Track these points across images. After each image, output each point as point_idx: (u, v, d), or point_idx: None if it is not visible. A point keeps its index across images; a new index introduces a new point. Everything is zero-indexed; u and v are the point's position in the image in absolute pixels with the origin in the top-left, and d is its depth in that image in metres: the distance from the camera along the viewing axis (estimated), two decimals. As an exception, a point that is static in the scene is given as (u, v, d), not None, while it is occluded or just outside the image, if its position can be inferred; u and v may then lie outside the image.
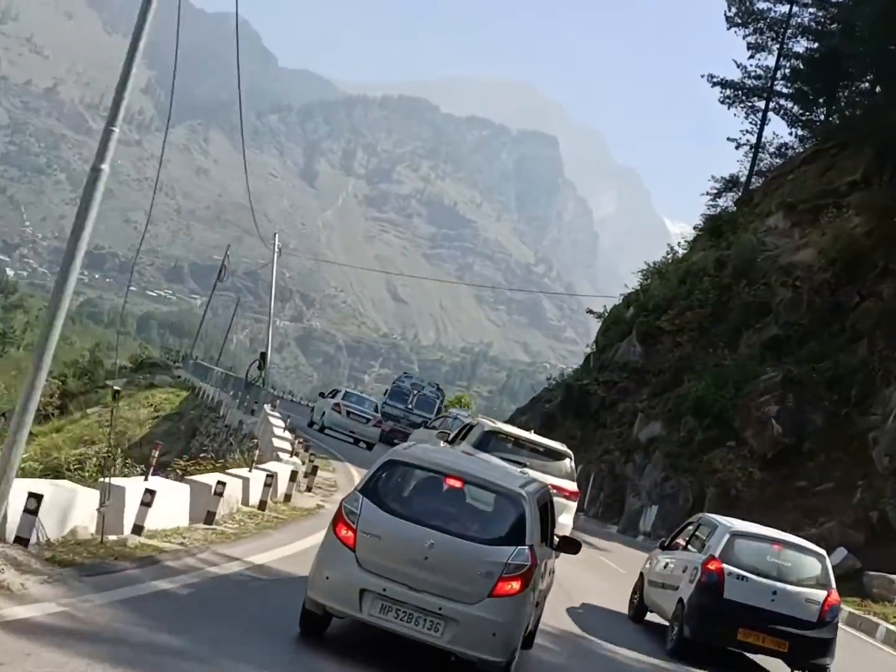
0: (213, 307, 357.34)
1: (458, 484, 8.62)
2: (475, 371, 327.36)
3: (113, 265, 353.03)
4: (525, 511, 8.52)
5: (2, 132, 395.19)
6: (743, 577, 12.73)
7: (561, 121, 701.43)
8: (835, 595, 12.99)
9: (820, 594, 12.81)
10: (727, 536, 13.15)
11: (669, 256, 50.55)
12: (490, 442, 17.37)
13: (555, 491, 14.93)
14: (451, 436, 19.78)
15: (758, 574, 12.81)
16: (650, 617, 14.98)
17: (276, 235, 34.00)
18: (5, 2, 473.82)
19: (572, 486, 17.59)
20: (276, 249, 32.96)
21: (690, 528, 14.69)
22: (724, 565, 12.80)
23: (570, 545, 10.24)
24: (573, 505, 17.67)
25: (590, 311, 54.13)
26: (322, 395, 42.22)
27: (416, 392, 44.44)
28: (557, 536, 10.37)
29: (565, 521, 16.77)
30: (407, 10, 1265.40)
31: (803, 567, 13.17)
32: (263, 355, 31.39)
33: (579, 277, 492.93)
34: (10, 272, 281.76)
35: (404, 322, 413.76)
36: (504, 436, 17.89)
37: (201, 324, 61.35)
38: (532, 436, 18.55)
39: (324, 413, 37.04)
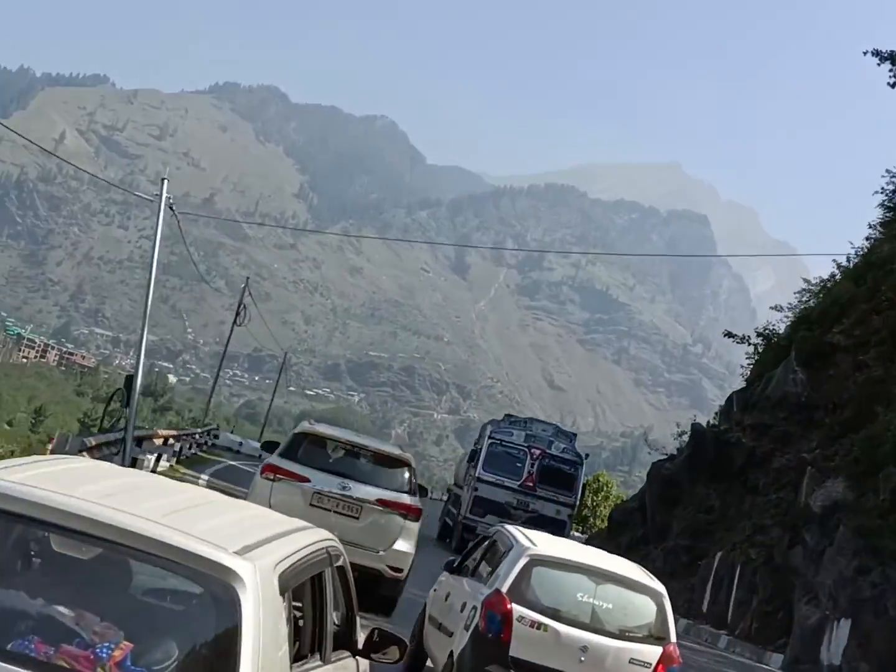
0: (371, 403, 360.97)
1: (83, 553, 3.86)
2: (636, 455, 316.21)
3: (272, 366, 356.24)
4: (241, 611, 3.55)
5: (163, 243, 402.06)
6: (540, 626, 8.44)
7: (710, 199, 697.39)
8: (674, 652, 8.60)
9: (652, 652, 8.48)
10: (523, 561, 8.70)
11: (838, 271, 37.75)
12: (300, 447, 13.38)
13: (387, 508, 12.73)
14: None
15: (563, 620, 8.49)
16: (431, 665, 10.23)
17: (165, 182, 23.66)
18: (163, 119, 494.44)
19: (411, 500, 13.14)
20: (163, 199, 22.63)
21: (487, 541, 10.28)
22: (514, 606, 8.46)
23: (388, 645, 5.05)
24: (414, 526, 13.14)
25: (728, 335, 40.34)
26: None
27: (537, 452, 25.73)
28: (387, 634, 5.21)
29: (403, 548, 12.80)
30: (549, 102, 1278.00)
31: (630, 610, 8.75)
32: (130, 379, 19.76)
33: (739, 355, 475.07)
34: (172, 378, 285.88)
35: (562, 409, 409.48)
36: (319, 438, 13.73)
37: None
38: (359, 438, 14.41)
39: None
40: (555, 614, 8.49)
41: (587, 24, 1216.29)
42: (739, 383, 39.70)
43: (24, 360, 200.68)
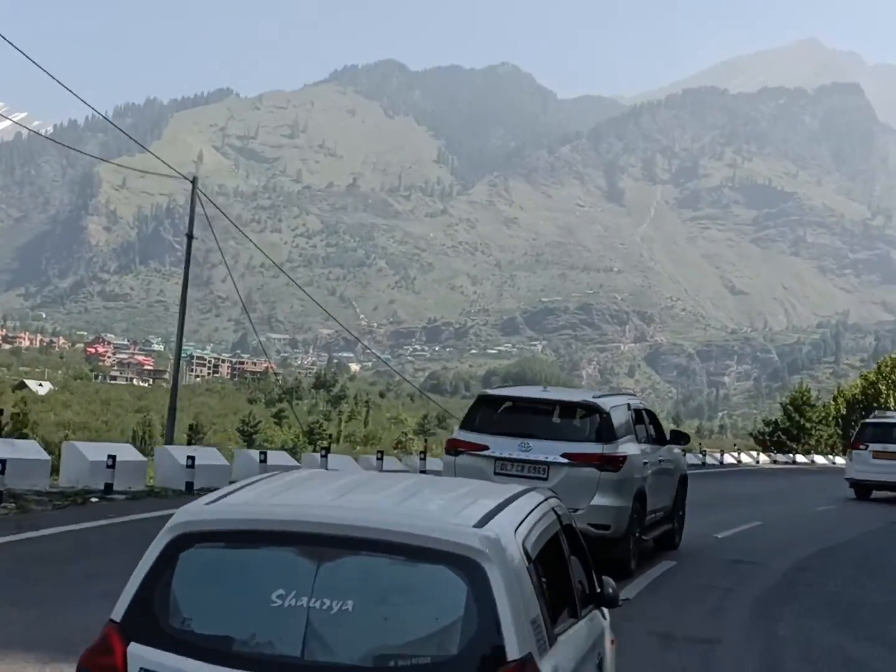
0: (555, 348, 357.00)
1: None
2: (839, 343, 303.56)
3: (449, 334, 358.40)
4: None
5: (318, 238, 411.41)
6: None
7: (857, 67, 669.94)
8: None
9: None
10: (161, 544, 3.72)
11: None
12: (478, 415, 12.40)
13: (577, 462, 11.65)
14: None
15: (236, 659, 3.49)
16: None
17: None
18: (292, 117, 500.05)
19: (606, 449, 11.78)
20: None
21: None
22: (133, 648, 3.56)
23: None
24: (612, 477, 11.76)
25: None
26: None
27: None
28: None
29: (603, 502, 11.70)
30: (666, 7, 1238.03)
31: (410, 612, 3.44)
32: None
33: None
34: (354, 366, 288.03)
35: (750, 313, 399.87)
36: (495, 401, 12.81)
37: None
38: (539, 392, 12.93)
39: None
40: (220, 647, 3.48)
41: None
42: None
43: (197, 379, 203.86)
